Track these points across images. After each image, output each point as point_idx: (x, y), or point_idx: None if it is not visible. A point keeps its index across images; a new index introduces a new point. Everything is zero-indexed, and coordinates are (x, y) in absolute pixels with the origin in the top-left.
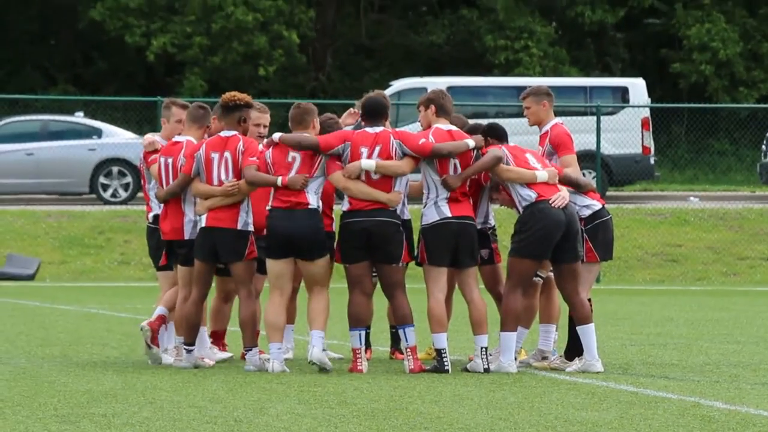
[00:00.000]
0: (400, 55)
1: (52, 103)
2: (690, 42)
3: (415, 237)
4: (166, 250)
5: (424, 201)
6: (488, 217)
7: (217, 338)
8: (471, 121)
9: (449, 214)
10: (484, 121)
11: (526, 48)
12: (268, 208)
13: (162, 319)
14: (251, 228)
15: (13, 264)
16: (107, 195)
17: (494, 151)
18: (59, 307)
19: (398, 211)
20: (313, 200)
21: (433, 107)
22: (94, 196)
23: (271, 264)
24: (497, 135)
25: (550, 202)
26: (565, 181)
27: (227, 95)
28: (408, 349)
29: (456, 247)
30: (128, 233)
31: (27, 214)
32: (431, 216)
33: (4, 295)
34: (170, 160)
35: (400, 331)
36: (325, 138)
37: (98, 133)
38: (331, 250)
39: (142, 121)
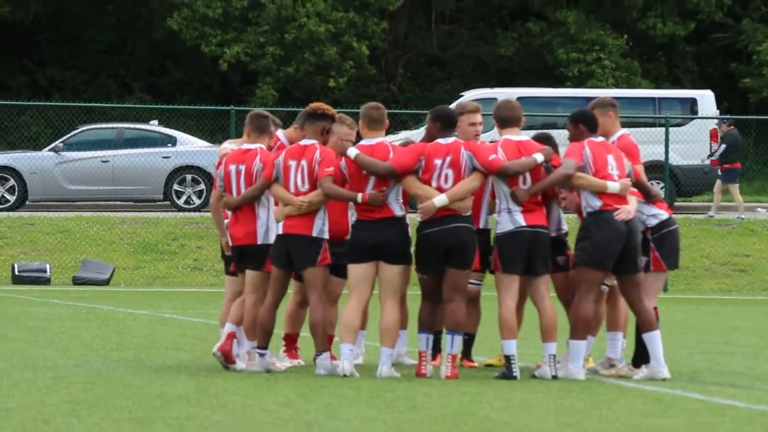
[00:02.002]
0: (471, 66)
1: (128, 112)
2: (760, 57)
3: None
4: (237, 256)
5: (497, 209)
6: (561, 223)
7: (290, 341)
8: (540, 132)
9: (523, 224)
10: (554, 131)
11: (598, 60)
12: (353, 220)
13: (232, 337)
14: (326, 236)
15: (88, 269)
16: (181, 202)
17: (567, 164)
18: (133, 312)
19: (484, 222)
20: (397, 209)
21: (496, 122)
22: (168, 203)
23: (353, 268)
24: (589, 123)
25: (615, 213)
26: (639, 186)
27: (315, 104)
28: (449, 356)
29: (529, 256)
30: (201, 239)
31: (102, 220)
32: (506, 225)
33: (79, 299)
34: (243, 167)
35: (449, 337)
36: (399, 161)
37: (172, 141)
38: (410, 257)
39: (216, 129)
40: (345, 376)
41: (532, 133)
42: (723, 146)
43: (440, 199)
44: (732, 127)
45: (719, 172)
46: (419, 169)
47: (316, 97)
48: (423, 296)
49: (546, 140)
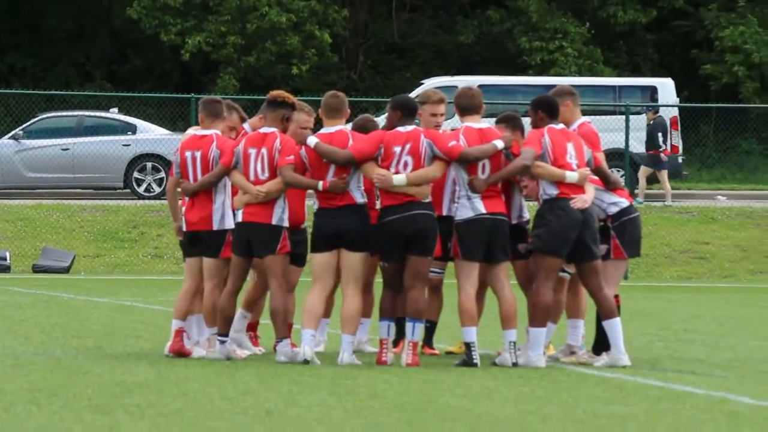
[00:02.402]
0: (431, 54)
1: (88, 99)
2: (722, 44)
3: None
4: (188, 241)
5: (456, 195)
6: (522, 211)
7: (250, 329)
8: (506, 112)
9: (483, 211)
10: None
11: (560, 48)
12: (315, 209)
13: (180, 333)
14: (286, 224)
15: (48, 257)
16: (141, 190)
17: (525, 155)
18: (94, 300)
19: (447, 209)
20: (358, 196)
21: (456, 109)
22: (128, 190)
23: (316, 257)
24: (548, 109)
25: (571, 202)
26: (600, 174)
27: (275, 92)
28: (410, 343)
29: (489, 243)
30: (161, 227)
31: (62, 208)
32: (465, 212)
33: (39, 287)
34: (198, 154)
35: (409, 324)
36: (358, 148)
37: (133, 129)
38: (374, 245)
39: (176, 117)
40: (306, 361)
41: (494, 120)
42: (660, 134)
43: (399, 178)
44: (658, 114)
45: (643, 158)
46: (379, 157)
47: (276, 85)
48: (384, 284)
49: (512, 120)
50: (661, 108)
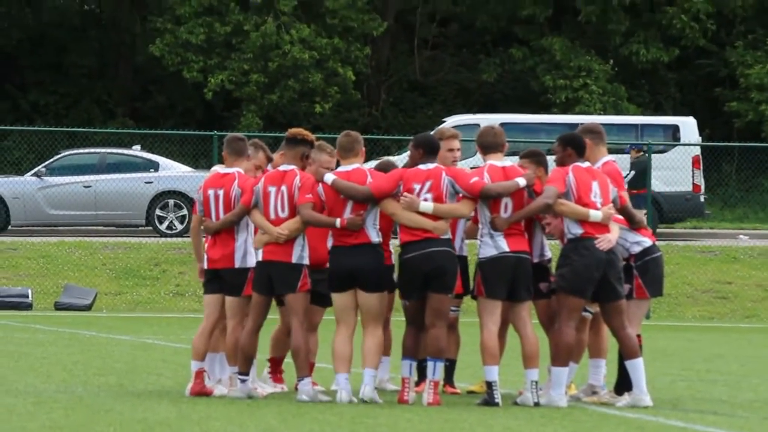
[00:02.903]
0: (453, 92)
1: (110, 137)
2: (748, 81)
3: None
4: (209, 278)
5: (479, 234)
6: (544, 250)
7: (275, 364)
8: (531, 149)
9: (507, 249)
10: None
11: (585, 86)
12: (330, 246)
13: (201, 375)
14: (306, 261)
15: (70, 294)
16: (163, 227)
17: (548, 193)
18: (115, 337)
19: (458, 248)
20: (374, 235)
21: (478, 148)
22: (150, 228)
23: (335, 297)
24: (577, 147)
25: (596, 242)
26: (625, 213)
27: (294, 130)
28: (431, 382)
29: (512, 281)
30: (183, 265)
31: (84, 245)
32: (488, 250)
33: (61, 324)
34: (221, 192)
35: (430, 363)
36: (377, 185)
37: (155, 166)
38: (391, 283)
39: (198, 154)
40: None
41: (516, 159)
42: (632, 173)
43: (426, 205)
44: (641, 153)
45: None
46: (398, 194)
47: (298, 123)
48: (407, 322)
49: (536, 156)
50: (682, 147)
